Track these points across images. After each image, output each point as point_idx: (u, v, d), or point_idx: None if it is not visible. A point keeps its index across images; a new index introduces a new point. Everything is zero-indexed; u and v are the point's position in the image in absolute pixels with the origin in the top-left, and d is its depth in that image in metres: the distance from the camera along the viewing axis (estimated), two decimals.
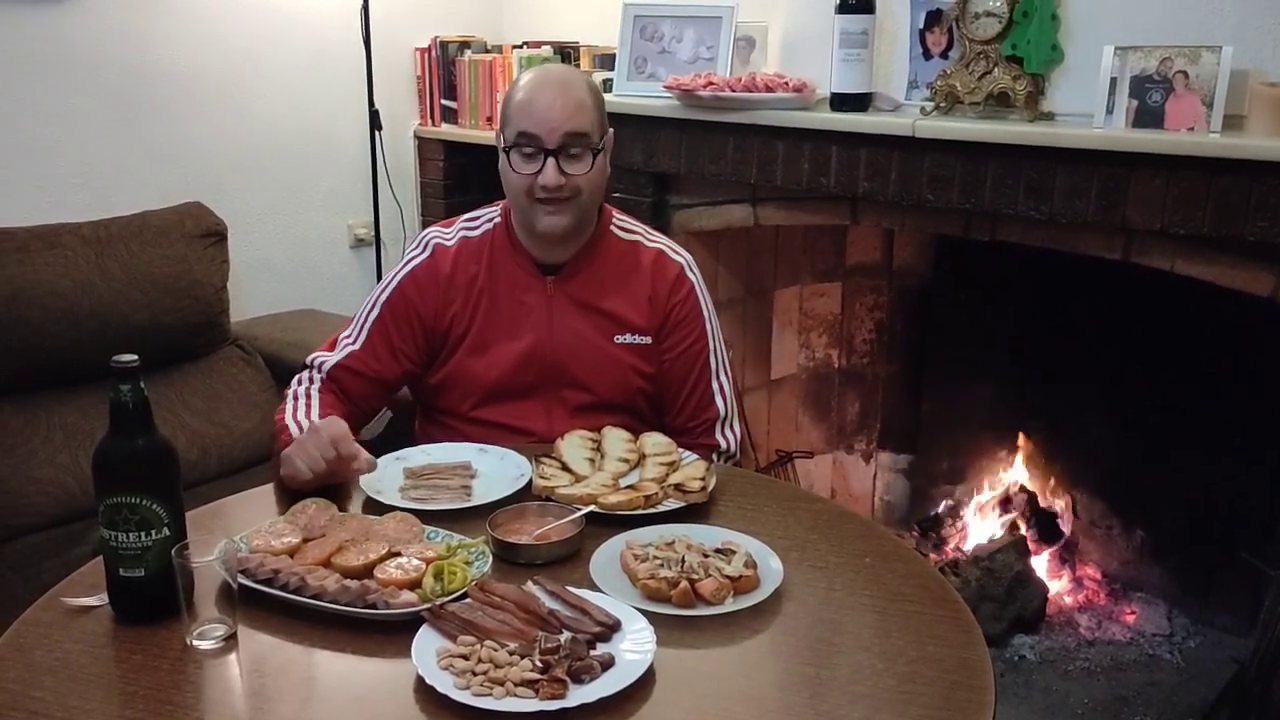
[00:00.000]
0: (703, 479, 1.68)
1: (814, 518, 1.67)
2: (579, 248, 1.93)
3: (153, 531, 1.36)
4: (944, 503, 3.05)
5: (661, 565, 1.43)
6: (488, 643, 1.29)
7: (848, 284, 3.12)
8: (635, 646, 1.30)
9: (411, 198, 3.74)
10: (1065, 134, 2.09)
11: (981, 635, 1.36)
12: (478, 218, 2.00)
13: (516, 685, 1.22)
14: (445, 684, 1.22)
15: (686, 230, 2.71)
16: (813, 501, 1.73)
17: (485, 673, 1.24)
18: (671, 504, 1.65)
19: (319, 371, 1.96)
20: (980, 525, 2.89)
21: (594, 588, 1.42)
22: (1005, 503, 2.86)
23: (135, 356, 1.35)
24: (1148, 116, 2.02)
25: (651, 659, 1.27)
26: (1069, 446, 2.86)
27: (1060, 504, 2.85)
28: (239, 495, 1.78)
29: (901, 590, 1.46)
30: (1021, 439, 2.92)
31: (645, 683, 1.24)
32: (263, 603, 1.40)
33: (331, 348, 1.98)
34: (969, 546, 2.82)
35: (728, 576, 1.40)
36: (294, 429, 1.78)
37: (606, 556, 1.50)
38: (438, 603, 1.36)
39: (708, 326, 1.99)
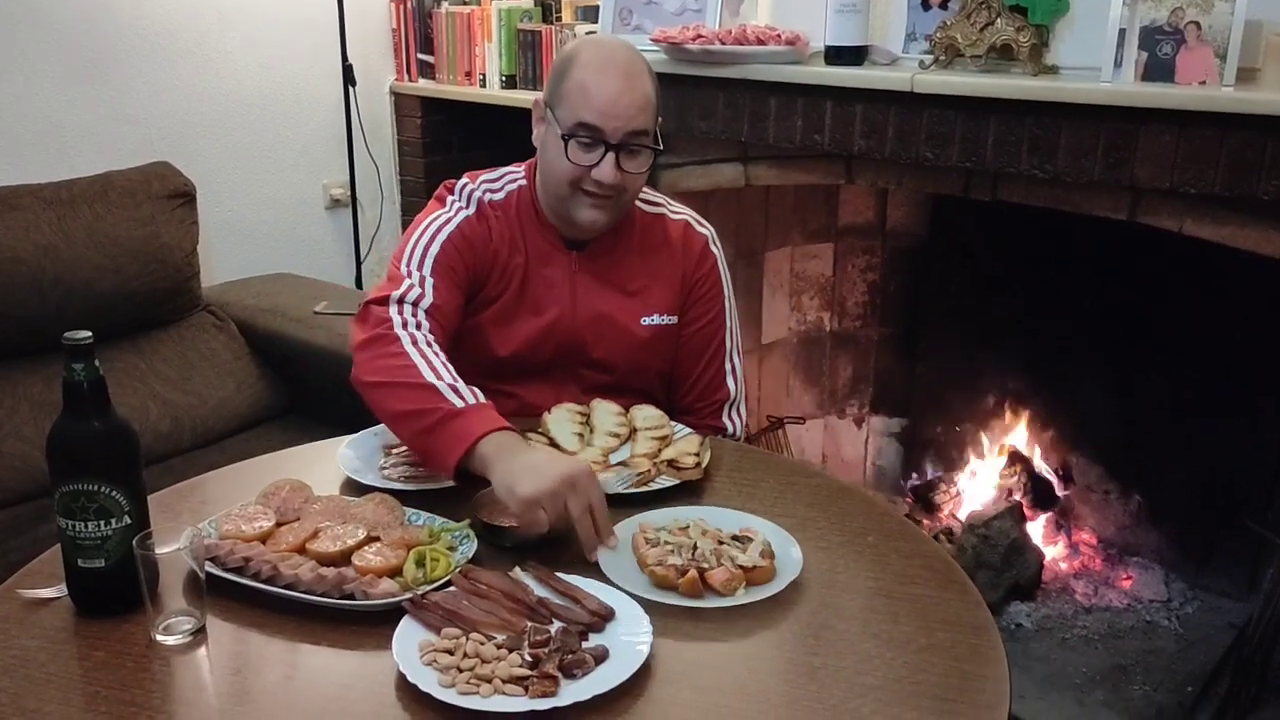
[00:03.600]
0: (697, 454, 1.60)
1: (812, 493, 1.59)
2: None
3: (112, 520, 1.27)
4: (938, 468, 2.99)
5: (672, 551, 1.35)
6: (473, 635, 1.21)
7: (840, 245, 3.03)
8: (631, 637, 1.22)
9: (389, 156, 3.62)
10: (1071, 88, 2.00)
11: (992, 620, 1.30)
12: (498, 178, 1.84)
13: (505, 682, 1.15)
14: (429, 681, 1.14)
15: (675, 191, 2.61)
16: (810, 476, 1.65)
17: (471, 669, 1.16)
18: (665, 480, 1.57)
19: (419, 309, 1.66)
20: (975, 491, 2.84)
21: (585, 571, 1.35)
22: (1001, 468, 2.80)
23: (89, 333, 1.26)
24: (1158, 70, 1.94)
25: (649, 651, 1.19)
26: (1066, 410, 2.80)
27: (1057, 469, 2.80)
28: (214, 473, 1.70)
29: (906, 571, 1.39)
30: (1018, 403, 2.86)
31: (642, 677, 1.17)
32: (233, 593, 1.32)
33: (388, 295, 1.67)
34: (964, 513, 2.77)
35: (741, 566, 1.33)
36: (452, 397, 1.51)
37: (619, 539, 1.42)
38: (419, 592, 1.29)
39: (726, 304, 1.89)
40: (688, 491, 1.56)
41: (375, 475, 1.61)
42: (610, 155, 1.67)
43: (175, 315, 2.81)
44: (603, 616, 1.26)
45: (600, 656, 1.20)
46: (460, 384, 1.54)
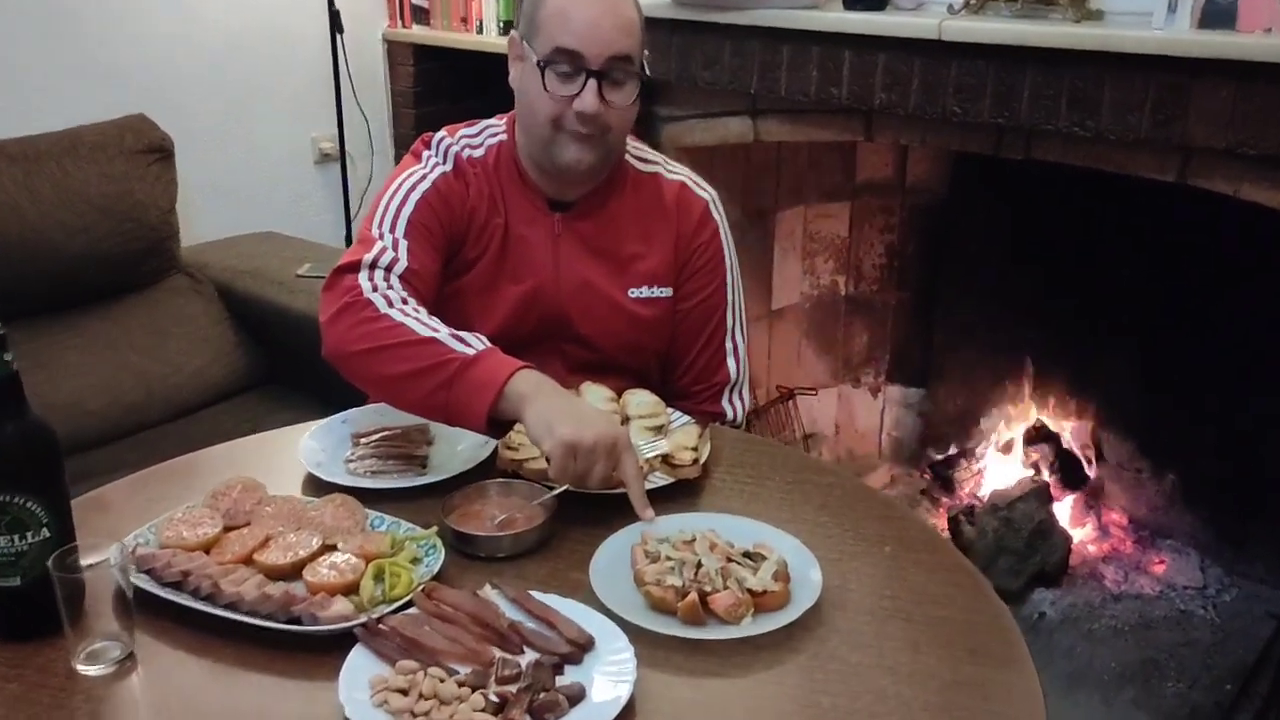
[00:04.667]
0: (694, 449, 1.44)
1: (824, 494, 1.43)
2: (595, 184, 1.66)
3: (28, 534, 1.12)
4: (958, 443, 2.83)
5: (673, 569, 1.20)
6: (432, 670, 1.06)
7: (856, 204, 2.85)
8: (611, 674, 1.07)
9: (381, 108, 3.43)
10: (1118, 36, 1.81)
11: (1027, 652, 1.14)
12: (478, 132, 1.69)
13: None
14: None
15: (677, 146, 2.43)
16: (823, 474, 1.49)
17: (426, 713, 1.01)
18: (658, 479, 1.41)
19: (392, 274, 1.51)
20: (998, 468, 2.67)
21: (565, 590, 1.19)
22: (1026, 444, 2.63)
23: None
24: (1216, 16, 1.74)
25: (630, 691, 1.04)
26: (1097, 383, 2.63)
27: (1086, 446, 2.63)
28: (165, 466, 1.53)
29: (929, 589, 1.23)
30: (1045, 375, 2.68)
31: None
32: (169, 612, 1.17)
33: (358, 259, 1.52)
34: (985, 492, 2.61)
35: (749, 591, 1.17)
36: (460, 346, 1.39)
37: (616, 549, 1.27)
38: (375, 615, 1.14)
39: (729, 277, 1.72)
40: (684, 492, 1.40)
41: (340, 470, 1.46)
42: (592, 83, 1.51)
43: (150, 278, 2.66)
44: (581, 646, 1.11)
45: (575, 696, 1.04)
46: (460, 332, 1.41)
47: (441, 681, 1.05)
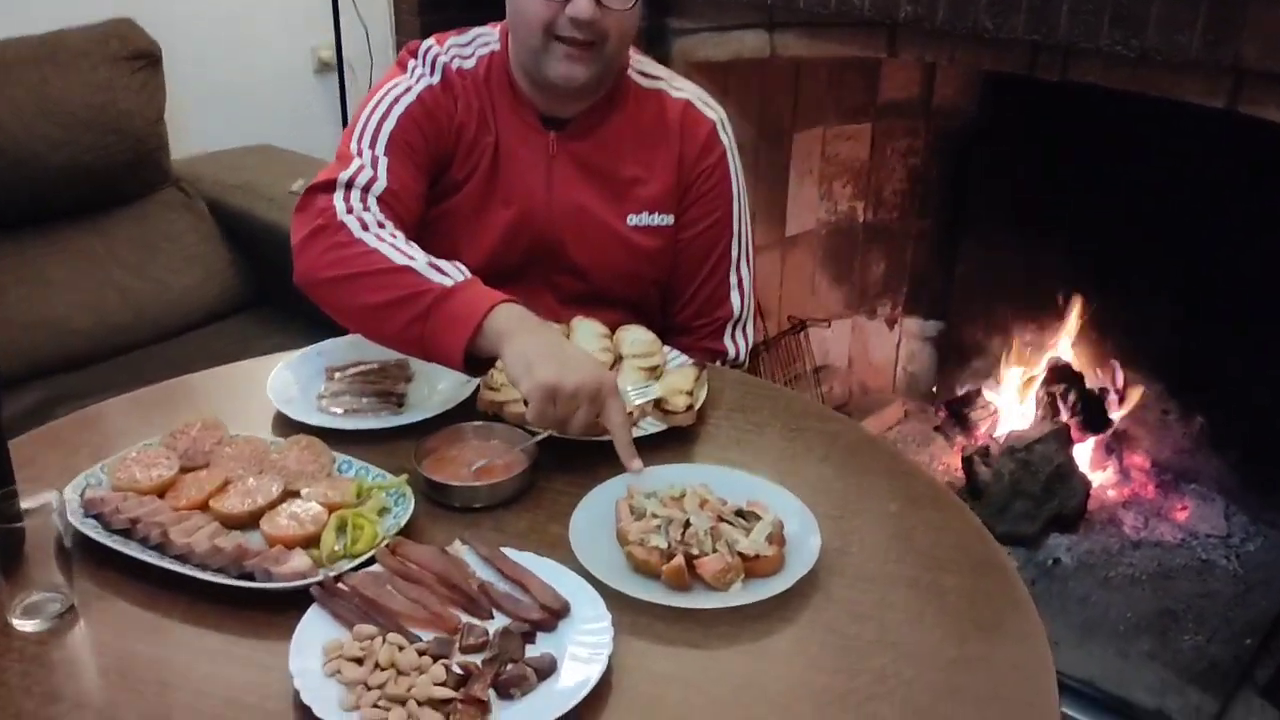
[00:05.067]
0: (689, 393, 1.33)
1: (827, 443, 1.33)
2: (593, 101, 1.53)
3: None
4: (976, 380, 2.71)
5: (659, 528, 1.10)
6: (391, 637, 0.98)
7: (878, 126, 2.69)
8: (586, 644, 0.98)
9: (382, 14, 3.27)
10: None
11: (1041, 627, 1.04)
12: (468, 41, 1.56)
13: (422, 704, 0.92)
14: (327, 704, 0.91)
15: (689, 61, 2.28)
16: (825, 420, 1.39)
17: (382, 685, 0.93)
18: (649, 425, 1.31)
19: (370, 195, 1.40)
20: (1017, 408, 2.56)
21: (541, 547, 1.11)
22: (1047, 383, 2.52)
23: None
24: None
25: (606, 665, 0.95)
26: (1125, 320, 2.50)
27: (1110, 386, 2.51)
28: (128, 397, 1.44)
29: (935, 553, 1.14)
30: (1069, 310, 2.55)
31: (596, 700, 0.93)
32: (116, 562, 1.09)
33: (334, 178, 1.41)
34: (1002, 432, 2.50)
35: (740, 554, 1.07)
36: (437, 276, 1.28)
37: (600, 503, 1.18)
38: (334, 573, 1.05)
39: (735, 205, 1.60)
40: (676, 440, 1.31)
41: (311, 406, 1.37)
42: None
43: (138, 192, 2.54)
44: (555, 613, 1.02)
45: (546, 669, 0.96)
46: (439, 260, 1.31)
47: (400, 650, 0.96)
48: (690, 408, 1.31)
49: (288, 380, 1.41)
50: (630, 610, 1.03)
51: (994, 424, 2.58)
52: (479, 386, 1.35)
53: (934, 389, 2.84)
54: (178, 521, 1.11)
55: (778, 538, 1.10)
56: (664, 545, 1.08)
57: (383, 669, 0.94)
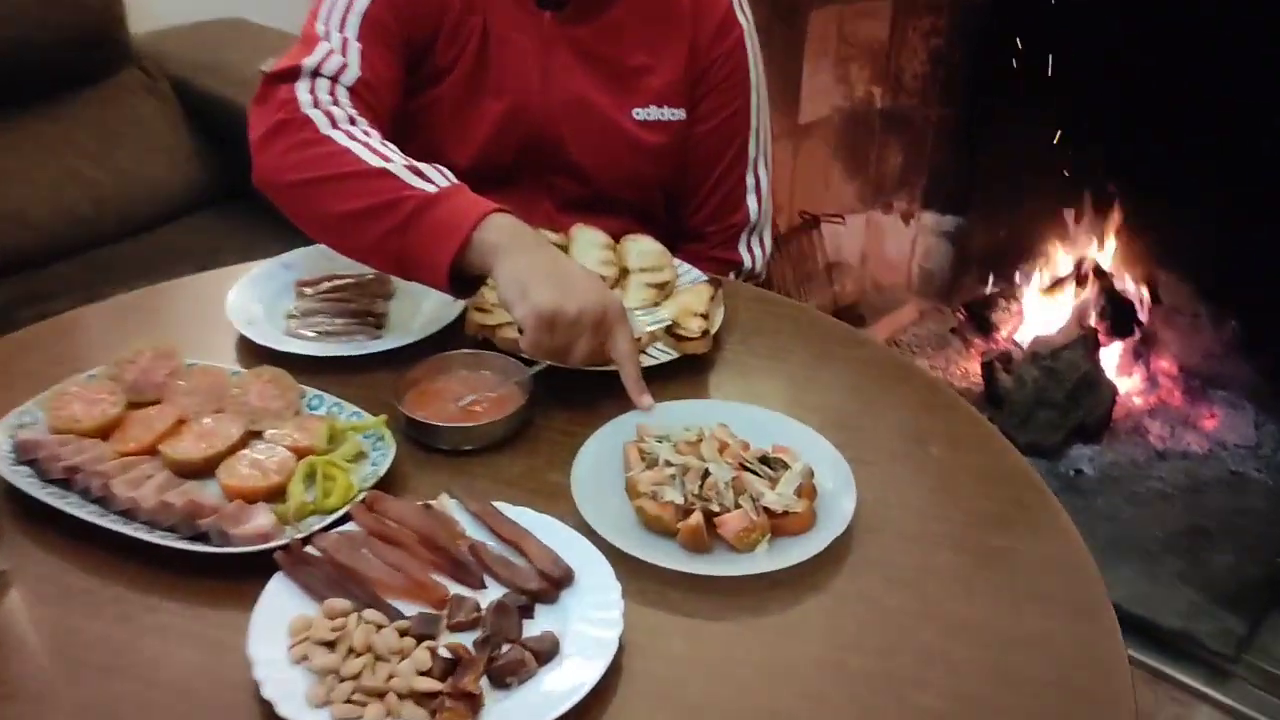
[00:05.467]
0: (704, 315, 1.19)
1: (856, 372, 1.19)
2: None
3: None
4: (997, 280, 2.56)
5: (673, 477, 0.97)
6: (368, 614, 0.85)
7: (900, 2, 2.48)
8: (592, 621, 0.86)
9: None
10: None
11: (1108, 600, 0.92)
12: None
13: (403, 697, 0.79)
14: (292, 699, 0.79)
15: None
16: (856, 346, 1.24)
17: (357, 675, 0.80)
18: (660, 352, 1.17)
19: (338, 85, 1.23)
20: (1041, 311, 2.42)
21: (538, 499, 0.97)
22: (1075, 284, 2.37)
23: None
24: None
25: (616, 649, 0.83)
26: (1157, 216, 2.34)
27: (1140, 287, 2.37)
28: (71, 316, 1.29)
29: (984, 507, 1.01)
30: (1100, 205, 2.38)
31: (600, 686, 0.81)
32: (54, 518, 0.95)
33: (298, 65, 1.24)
34: (1024, 337, 2.37)
35: (766, 510, 0.94)
36: (417, 180, 1.12)
37: (606, 446, 1.04)
38: (300, 535, 0.92)
39: (754, 96, 1.42)
40: (690, 370, 1.16)
41: (278, 329, 1.22)
42: None
43: (97, 73, 2.34)
44: (555, 581, 0.89)
45: (547, 653, 0.83)
46: (419, 163, 1.14)
47: (379, 630, 0.84)
48: (705, 333, 1.17)
49: (250, 298, 1.26)
50: (640, 576, 0.91)
51: (1016, 327, 2.44)
52: (467, 307, 1.20)
53: (951, 289, 2.69)
54: (123, 470, 0.98)
55: (808, 489, 0.97)
56: (679, 500, 0.95)
57: (358, 654, 0.82)
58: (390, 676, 0.81)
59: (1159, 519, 2.08)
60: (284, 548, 0.90)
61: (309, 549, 0.91)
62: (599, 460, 1.02)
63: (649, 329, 1.14)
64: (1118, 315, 2.33)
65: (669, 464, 0.99)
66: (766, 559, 0.92)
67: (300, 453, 1.00)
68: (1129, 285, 2.38)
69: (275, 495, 0.97)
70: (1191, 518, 2.08)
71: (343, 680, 0.80)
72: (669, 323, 1.15)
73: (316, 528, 0.93)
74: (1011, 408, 2.19)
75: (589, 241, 1.31)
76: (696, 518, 0.93)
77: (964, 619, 0.89)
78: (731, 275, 1.45)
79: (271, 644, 0.83)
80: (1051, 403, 2.18)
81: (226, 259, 1.40)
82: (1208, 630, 1.85)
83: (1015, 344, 2.35)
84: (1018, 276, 2.51)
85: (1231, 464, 2.21)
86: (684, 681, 0.83)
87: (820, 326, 1.28)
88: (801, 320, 1.28)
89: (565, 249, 1.30)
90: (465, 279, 1.11)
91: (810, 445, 1.03)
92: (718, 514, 0.94)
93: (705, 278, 1.27)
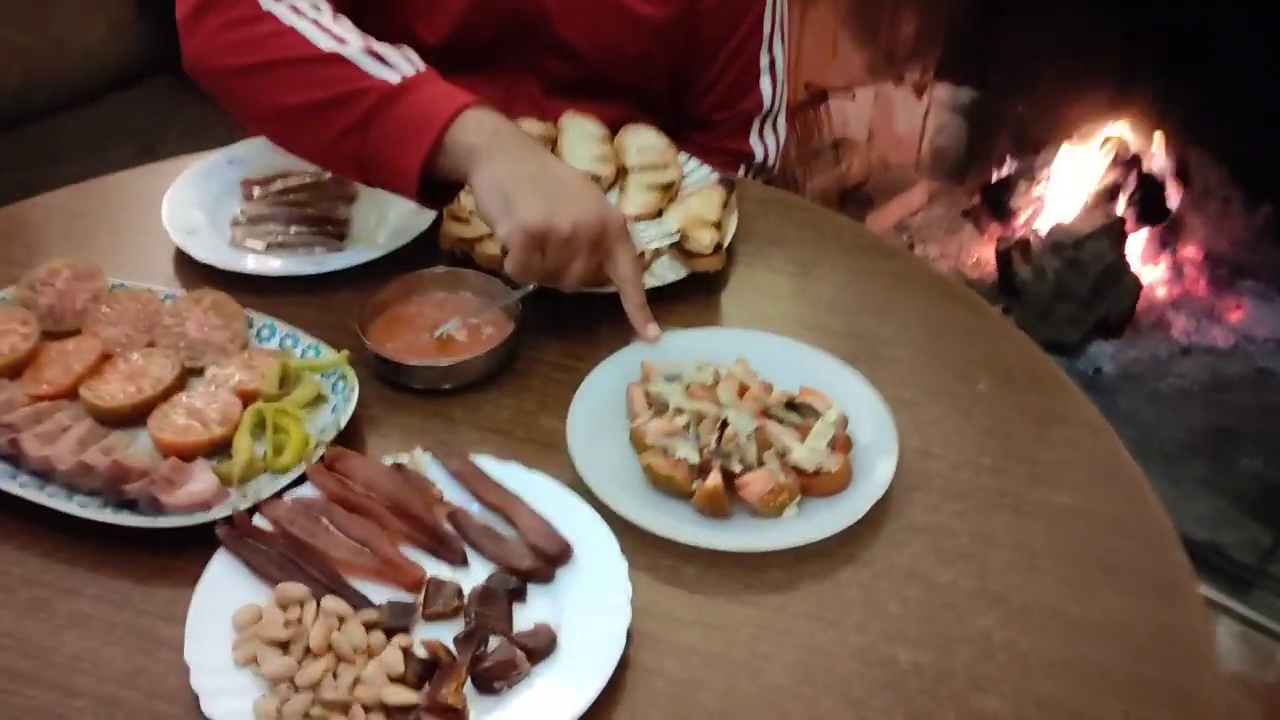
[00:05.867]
0: (717, 224, 1.02)
1: (889, 288, 1.04)
2: None
3: None
4: (1016, 160, 2.38)
5: (686, 428, 0.82)
6: (329, 603, 0.71)
7: None
8: (594, 609, 0.73)
9: None
10: None
11: (1193, 580, 0.79)
12: None
13: (371, 711, 0.66)
14: (238, 716, 0.66)
15: None
16: (887, 258, 1.08)
17: (314, 685, 0.67)
18: (665, 272, 1.01)
19: None
20: (1063, 195, 2.25)
21: (532, 444, 0.84)
22: (1100, 166, 2.20)
23: None
24: None
25: (624, 645, 0.70)
26: (1192, 92, 2.15)
27: (1170, 168, 2.20)
28: (25, 207, 1.12)
29: (1045, 457, 0.87)
30: (1129, 79, 2.19)
31: (608, 692, 0.69)
32: None
33: None
34: (1045, 224, 2.20)
35: (796, 469, 0.80)
36: (378, 67, 0.94)
37: (606, 387, 0.89)
38: (247, 503, 0.77)
39: None
40: (699, 289, 1.01)
41: (221, 241, 1.05)
42: None
43: None
44: (551, 558, 0.76)
45: (541, 650, 0.70)
46: (380, 45, 0.96)
47: (342, 623, 0.70)
48: (718, 247, 1.01)
49: (190, 201, 1.08)
50: (648, 548, 0.78)
51: (1036, 213, 2.28)
52: (442, 216, 1.03)
53: (965, 170, 2.51)
54: (36, 420, 0.83)
55: (842, 442, 0.83)
56: (694, 457, 0.81)
57: (316, 656, 0.69)
58: (356, 682, 0.68)
59: (1182, 419, 1.96)
60: (227, 520, 0.76)
61: (257, 520, 0.77)
62: (598, 402, 0.87)
63: (654, 245, 0.98)
64: (1146, 201, 2.17)
65: (680, 411, 0.84)
66: (797, 528, 0.79)
67: (247, 397, 0.85)
68: (1159, 167, 2.21)
69: (218, 450, 0.82)
70: (1216, 418, 1.97)
71: (298, 690, 0.67)
72: (678, 237, 0.99)
73: (267, 493, 0.78)
74: (1029, 301, 2.05)
75: (581, 134, 1.14)
76: (715, 480, 0.79)
77: (1028, 600, 0.76)
78: (741, 170, 1.28)
79: (212, 643, 0.70)
80: (1072, 296, 2.04)
81: (172, 140, 1.23)
82: (1232, 540, 1.76)
83: (1035, 232, 2.19)
84: (1038, 157, 2.33)
85: (1259, 359, 2.09)
86: (701, 683, 0.71)
87: (846, 233, 1.11)
88: (827, 228, 1.12)
89: (553, 142, 1.13)
90: (438, 185, 0.94)
91: (842, 384, 0.89)
92: (739, 474, 0.80)
93: (716, 177, 1.10)
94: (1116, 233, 2.08)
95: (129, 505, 0.77)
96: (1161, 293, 2.20)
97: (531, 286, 0.92)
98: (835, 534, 0.78)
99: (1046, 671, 0.72)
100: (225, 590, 0.73)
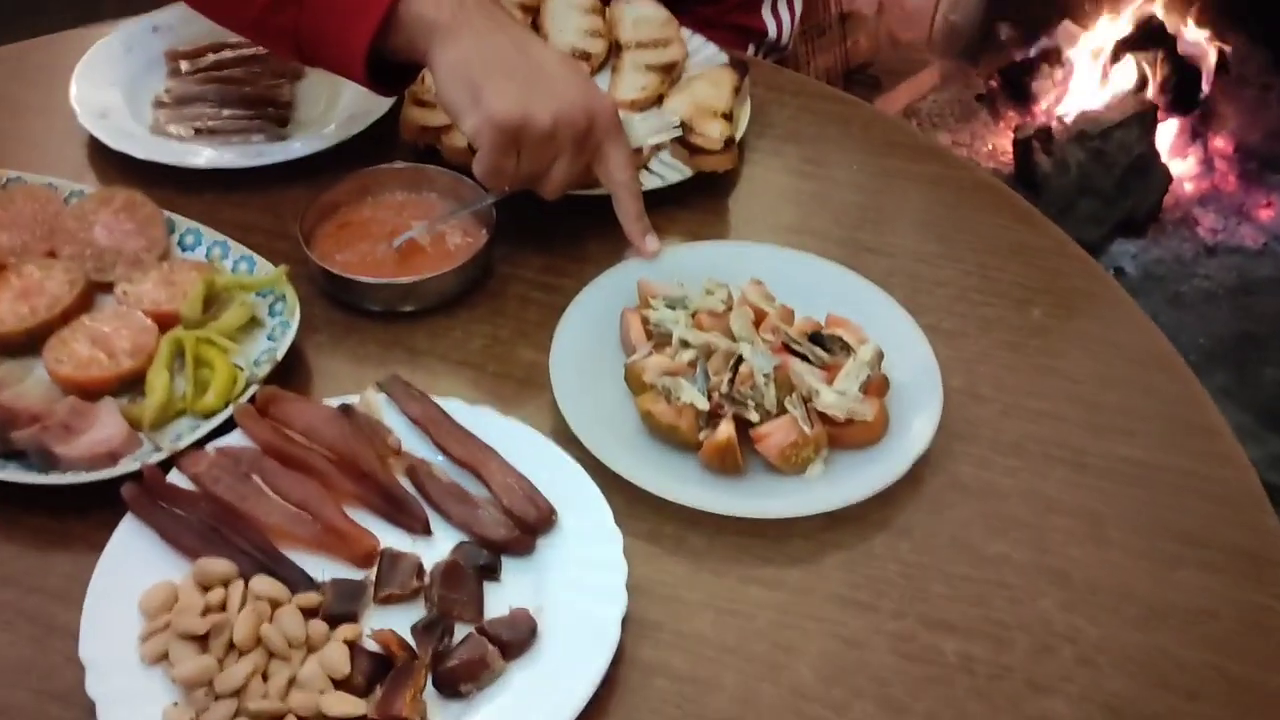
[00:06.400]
0: (727, 115, 0.87)
1: (928, 195, 0.90)
2: None
3: None
4: (1039, 38, 2.19)
5: (692, 364, 0.69)
6: (259, 584, 0.59)
7: None
8: (586, 587, 0.61)
9: None
10: None
11: None
12: None
13: None
14: None
15: None
16: (924, 159, 0.93)
17: (237, 691, 0.55)
18: (667, 169, 0.86)
19: None
20: (1089, 79, 2.07)
21: (509, 382, 0.71)
22: (1132, 47, 2.02)
23: None
24: None
25: (617, 636, 0.58)
26: None
27: (1210, 51, 2.03)
28: None
29: (1111, 400, 0.74)
30: None
31: (599, 694, 0.57)
32: None
33: None
34: (1069, 110, 2.03)
35: (824, 416, 0.67)
36: None
37: (595, 312, 0.75)
38: (167, 451, 0.64)
39: None
40: (706, 191, 0.86)
41: (140, 125, 0.89)
42: None
43: None
44: (531, 527, 0.63)
45: (518, 643, 0.58)
46: None
47: (275, 610, 0.58)
48: (729, 142, 0.85)
49: (105, 77, 0.92)
50: (647, 513, 0.65)
51: (1059, 98, 2.10)
52: (403, 99, 0.87)
53: (982, 49, 2.32)
54: None
55: (877, 384, 0.70)
56: (702, 402, 0.67)
57: (242, 652, 0.56)
58: (291, 684, 0.55)
59: (1205, 325, 1.84)
60: (136, 476, 0.62)
61: (173, 477, 0.63)
62: (587, 331, 0.74)
63: (653, 140, 0.83)
64: (1180, 88, 2.00)
65: (685, 344, 0.71)
66: (823, 489, 0.66)
67: (164, 322, 0.71)
68: (1194, 50, 2.03)
69: (128, 387, 0.69)
70: (1241, 324, 1.85)
71: (218, 698, 0.55)
72: (680, 129, 0.84)
73: (186, 442, 0.65)
74: (1049, 196, 1.90)
75: (568, 4, 0.97)
76: (726, 431, 0.66)
77: (1094, 578, 0.64)
78: (750, 49, 1.11)
79: (115, 635, 0.57)
80: (1097, 191, 1.89)
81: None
82: (1256, 456, 1.65)
83: (1058, 119, 2.02)
84: (1062, 35, 2.14)
85: None
86: (711, 683, 0.59)
87: (876, 127, 0.96)
88: (852, 119, 0.96)
89: (535, 11, 0.97)
90: (391, 68, 0.78)
91: (875, 311, 0.75)
92: (756, 423, 0.67)
93: (725, 58, 0.94)
94: (1148, 121, 1.92)
95: (17, 456, 0.64)
96: (1189, 187, 2.05)
97: (499, 195, 0.78)
98: (868, 497, 0.66)
99: (1118, 667, 0.61)
100: (132, 567, 0.60)
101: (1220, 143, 2.10)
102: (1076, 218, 1.89)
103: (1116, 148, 1.88)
